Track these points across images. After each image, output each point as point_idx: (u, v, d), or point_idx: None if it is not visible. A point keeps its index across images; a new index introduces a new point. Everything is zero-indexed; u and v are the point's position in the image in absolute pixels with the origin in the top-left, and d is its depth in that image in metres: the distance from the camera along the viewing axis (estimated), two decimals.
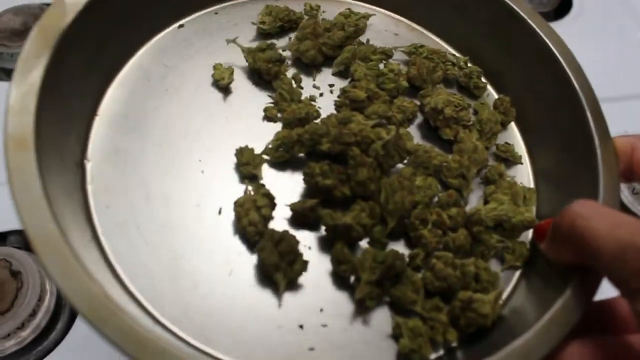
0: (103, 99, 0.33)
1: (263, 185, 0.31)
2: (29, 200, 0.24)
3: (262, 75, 0.35)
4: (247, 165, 0.32)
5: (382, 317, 0.29)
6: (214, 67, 0.35)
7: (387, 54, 0.37)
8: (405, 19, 0.41)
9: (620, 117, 0.45)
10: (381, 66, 0.37)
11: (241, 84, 0.36)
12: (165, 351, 0.23)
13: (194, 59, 0.36)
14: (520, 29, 0.37)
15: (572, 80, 0.34)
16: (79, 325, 0.41)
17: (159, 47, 0.36)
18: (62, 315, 0.42)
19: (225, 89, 0.35)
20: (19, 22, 0.55)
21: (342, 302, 0.29)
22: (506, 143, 0.36)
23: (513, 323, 0.29)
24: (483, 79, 0.38)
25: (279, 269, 0.28)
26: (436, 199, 0.33)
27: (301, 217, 0.31)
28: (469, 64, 0.39)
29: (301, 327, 0.28)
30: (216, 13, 0.39)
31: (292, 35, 0.38)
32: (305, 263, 0.29)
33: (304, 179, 0.31)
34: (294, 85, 0.35)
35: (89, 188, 0.30)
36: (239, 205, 0.30)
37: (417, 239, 0.31)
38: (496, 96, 0.38)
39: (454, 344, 0.29)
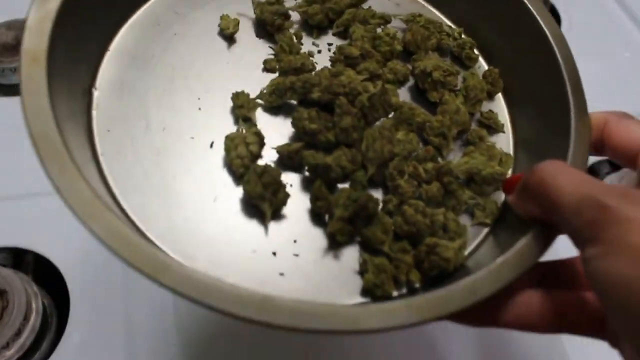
0: (115, 37, 0.36)
1: (255, 126, 0.33)
2: (36, 106, 0.27)
3: (266, 27, 0.38)
4: (241, 108, 0.34)
5: (351, 255, 0.31)
6: (221, 18, 0.38)
7: (385, 19, 0.39)
8: None
9: None
10: (379, 30, 0.39)
11: (246, 35, 0.38)
12: (148, 252, 0.25)
13: (203, 9, 0.39)
14: (517, 10, 0.38)
15: (558, 59, 0.36)
16: (64, 344, 0.43)
17: (165, 4, 0.38)
18: (48, 335, 0.42)
19: (230, 38, 0.38)
20: (11, 36, 0.56)
21: (316, 237, 0.32)
22: (490, 111, 0.38)
23: (473, 268, 0.31)
24: (475, 51, 0.40)
25: (264, 199, 0.31)
26: (415, 154, 0.35)
27: (286, 159, 0.33)
28: (463, 36, 0.40)
29: (274, 254, 0.31)
30: None
31: None
32: (287, 193, 0.31)
33: (292, 123, 0.34)
34: (295, 40, 0.38)
35: (94, 113, 0.33)
36: (229, 139, 0.32)
37: (394, 189, 0.33)
38: (487, 68, 0.40)
39: (417, 285, 0.31)
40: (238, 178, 0.32)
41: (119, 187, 0.31)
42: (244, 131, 0.33)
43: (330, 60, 0.38)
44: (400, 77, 0.37)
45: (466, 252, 0.32)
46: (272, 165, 0.33)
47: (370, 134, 0.33)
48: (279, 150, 0.33)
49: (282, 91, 0.34)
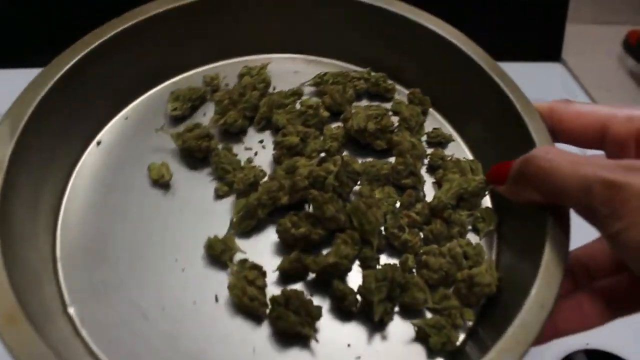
0: (56, 241, 0.33)
1: (246, 260, 0.32)
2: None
3: (194, 154, 0.36)
4: (222, 254, 0.32)
5: (396, 326, 0.31)
6: (149, 168, 0.36)
7: (298, 94, 0.39)
8: (298, 54, 0.43)
9: None
10: (298, 106, 0.39)
11: (178, 171, 0.36)
12: None
13: (125, 168, 0.36)
14: (410, 27, 0.40)
15: (466, 52, 0.37)
16: None
17: (88, 171, 0.36)
18: None
19: (167, 185, 0.36)
20: None
21: (361, 330, 0.31)
22: (434, 129, 0.39)
23: (513, 278, 0.31)
24: (389, 81, 0.41)
25: (302, 324, 0.29)
26: (398, 204, 0.35)
27: (290, 272, 0.32)
28: (372, 73, 0.41)
29: None
30: (126, 118, 0.39)
31: (204, 111, 0.39)
32: (319, 307, 0.30)
33: (279, 236, 0.33)
34: (230, 156, 0.36)
35: (84, 332, 0.30)
36: (232, 288, 0.31)
37: (402, 246, 0.33)
38: (407, 92, 0.41)
39: (471, 322, 0.31)
40: (259, 318, 0.31)
41: None
42: (237, 271, 0.31)
43: (273, 157, 0.37)
44: (342, 139, 0.37)
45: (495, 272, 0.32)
46: (277, 283, 0.32)
47: (356, 209, 0.32)
48: (281, 268, 0.32)
49: (251, 212, 0.33)
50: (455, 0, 0.60)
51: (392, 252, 0.34)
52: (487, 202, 0.36)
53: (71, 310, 0.30)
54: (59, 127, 0.35)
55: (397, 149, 0.36)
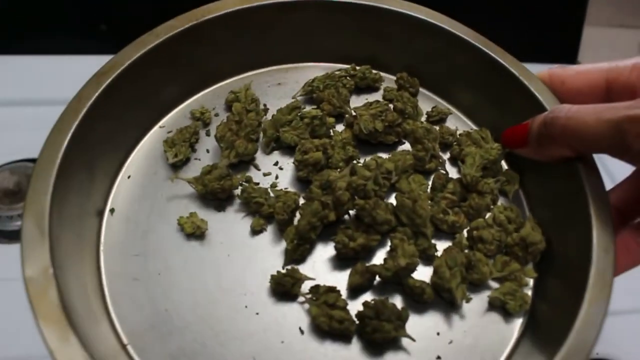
0: (117, 328, 0.32)
1: (317, 285, 0.32)
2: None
3: (217, 196, 0.35)
4: (293, 287, 0.32)
5: (469, 304, 0.33)
6: (179, 223, 0.34)
7: (297, 107, 0.39)
8: (276, 65, 0.42)
9: None
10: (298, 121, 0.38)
11: (206, 217, 0.35)
12: None
13: (150, 232, 0.35)
14: (371, 13, 0.40)
15: (445, 28, 0.39)
16: None
17: (113, 241, 0.34)
18: None
19: (202, 235, 0.35)
20: (13, 181, 0.54)
21: (439, 318, 0.33)
22: (432, 107, 0.41)
23: (555, 228, 0.34)
24: (374, 71, 0.42)
25: (397, 329, 0.30)
26: (429, 188, 0.36)
27: (360, 285, 0.32)
28: (357, 68, 0.41)
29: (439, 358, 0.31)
30: (129, 177, 0.37)
31: (205, 147, 0.38)
32: (405, 308, 0.31)
33: (337, 253, 0.33)
34: (256, 188, 0.36)
35: (129, 348, 0.30)
36: (318, 317, 0.31)
37: (450, 228, 0.34)
38: (393, 78, 0.42)
39: (534, 279, 0.34)
40: (347, 338, 0.31)
41: None
42: (313, 298, 0.32)
43: (299, 178, 0.36)
44: (353, 142, 0.38)
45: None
46: (352, 301, 0.32)
47: (402, 206, 0.33)
48: (353, 283, 0.32)
49: (305, 238, 0.33)
50: (473, 0, 0.60)
51: (441, 235, 0.35)
52: (503, 164, 0.38)
53: (130, 349, 0.30)
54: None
55: (412, 137, 0.37)
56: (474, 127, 0.40)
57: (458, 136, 0.38)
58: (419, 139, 0.37)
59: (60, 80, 0.55)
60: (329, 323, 0.31)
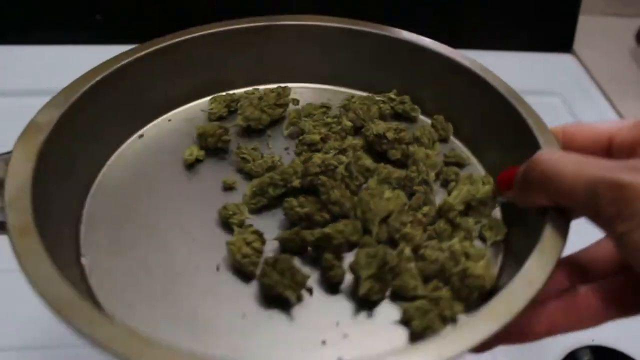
0: (86, 199, 0.36)
1: (250, 225, 0.34)
2: (43, 274, 0.26)
3: (207, 142, 0.39)
4: (234, 216, 0.34)
5: (385, 308, 0.31)
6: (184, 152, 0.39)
7: (327, 107, 0.42)
8: (325, 85, 0.46)
9: None
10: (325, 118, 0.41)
11: (208, 160, 0.40)
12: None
13: (160, 155, 0.40)
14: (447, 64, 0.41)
15: (500, 92, 0.38)
16: None
17: (125, 156, 0.39)
18: None
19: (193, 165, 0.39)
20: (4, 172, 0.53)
21: (348, 308, 0.31)
22: (451, 150, 0.41)
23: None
24: (415, 105, 0.43)
25: (285, 286, 0.30)
26: (407, 206, 0.35)
27: (288, 245, 0.33)
28: (397, 95, 0.43)
29: (324, 342, 0.30)
30: (169, 120, 0.42)
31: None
32: (305, 275, 0.31)
33: (285, 213, 0.34)
34: (250, 149, 0.39)
35: (91, 281, 0.32)
36: (231, 244, 0.32)
37: (402, 238, 0.33)
38: (429, 120, 0.43)
39: (461, 316, 0.30)
40: (249, 277, 0.32)
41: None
42: (241, 234, 0.33)
43: (295, 152, 0.39)
44: (359, 148, 0.39)
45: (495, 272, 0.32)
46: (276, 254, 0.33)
47: (361, 198, 0.34)
48: (280, 238, 0.33)
49: (264, 189, 0.35)
50: None
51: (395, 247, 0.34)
52: (497, 214, 0.37)
53: (83, 260, 0.33)
54: (105, 114, 0.38)
55: (412, 158, 0.38)
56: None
57: (457, 176, 0.38)
58: (417, 161, 0.37)
59: (55, 70, 0.56)
60: (234, 253, 0.32)
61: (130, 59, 0.39)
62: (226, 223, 0.35)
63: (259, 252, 0.32)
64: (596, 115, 0.75)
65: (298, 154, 0.39)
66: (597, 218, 0.25)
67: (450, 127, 0.42)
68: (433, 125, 0.42)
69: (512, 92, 0.38)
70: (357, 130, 0.41)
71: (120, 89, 0.39)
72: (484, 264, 0.31)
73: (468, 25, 0.76)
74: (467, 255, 0.32)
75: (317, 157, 0.35)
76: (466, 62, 0.41)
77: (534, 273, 0.27)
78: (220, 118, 0.42)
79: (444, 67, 0.41)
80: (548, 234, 0.29)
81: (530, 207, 0.30)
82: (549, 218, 0.29)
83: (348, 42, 0.44)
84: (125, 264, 0.33)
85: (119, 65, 0.38)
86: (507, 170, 0.32)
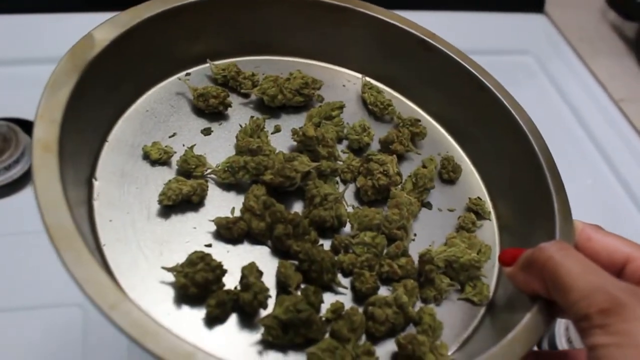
0: (113, 128, 0.35)
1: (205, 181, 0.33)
2: (51, 197, 0.26)
3: (210, 103, 0.37)
4: (196, 169, 0.33)
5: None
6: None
7: (341, 107, 0.39)
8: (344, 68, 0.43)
9: None
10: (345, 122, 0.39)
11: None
12: (170, 341, 0.24)
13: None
14: (490, 101, 0.39)
15: (530, 138, 0.36)
16: None
17: (166, 91, 0.38)
18: None
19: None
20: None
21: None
22: (478, 197, 0.37)
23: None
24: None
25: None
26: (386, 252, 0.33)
27: (224, 230, 0.32)
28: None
29: None
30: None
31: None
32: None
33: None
34: (259, 127, 0.37)
35: (95, 203, 0.31)
36: (174, 179, 0.32)
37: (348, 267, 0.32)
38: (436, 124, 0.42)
39: None
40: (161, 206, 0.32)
41: (123, 278, 0.29)
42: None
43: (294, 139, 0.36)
44: (355, 172, 0.36)
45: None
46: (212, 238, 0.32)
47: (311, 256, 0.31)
48: (217, 222, 0.31)
49: (235, 169, 0.33)
50: None
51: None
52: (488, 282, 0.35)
53: (95, 183, 0.32)
54: (158, 48, 0.37)
55: (394, 200, 0.35)
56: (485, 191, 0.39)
57: (473, 225, 0.37)
58: (399, 204, 0.34)
59: (43, 39, 0.56)
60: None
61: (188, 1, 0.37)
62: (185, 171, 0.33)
63: (180, 194, 0.32)
64: (568, 72, 0.77)
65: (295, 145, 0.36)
66: (581, 322, 0.25)
67: (460, 170, 0.39)
68: (443, 165, 0.39)
69: (549, 158, 0.35)
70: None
71: (175, 27, 0.37)
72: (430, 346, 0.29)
73: None
74: (421, 320, 0.31)
75: (299, 163, 0.33)
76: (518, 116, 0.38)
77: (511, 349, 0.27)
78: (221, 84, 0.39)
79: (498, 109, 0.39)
80: (528, 323, 0.28)
81: (523, 290, 0.30)
82: (536, 307, 0.29)
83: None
84: (130, 201, 0.32)
85: (178, 4, 0.37)
86: (513, 249, 0.32)
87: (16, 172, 0.54)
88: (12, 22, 0.66)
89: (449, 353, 0.30)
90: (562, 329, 0.47)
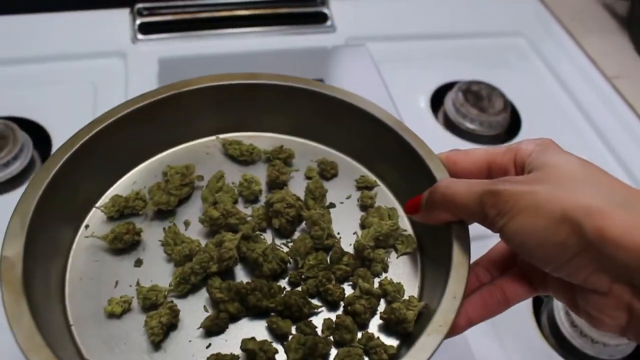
0: (67, 311, 0.36)
1: (171, 302, 0.36)
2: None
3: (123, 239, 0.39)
4: (158, 296, 0.37)
5: None
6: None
7: (221, 176, 0.43)
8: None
9: None
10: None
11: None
12: None
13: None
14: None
15: (392, 128, 0.42)
16: None
17: (82, 251, 0.39)
18: None
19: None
20: None
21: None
22: (360, 176, 0.44)
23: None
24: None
25: None
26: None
27: (214, 329, 0.36)
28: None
29: None
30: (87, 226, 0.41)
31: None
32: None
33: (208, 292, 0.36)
34: (177, 233, 0.40)
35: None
36: (148, 317, 0.35)
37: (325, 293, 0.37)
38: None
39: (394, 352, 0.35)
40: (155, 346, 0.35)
41: None
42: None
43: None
44: (265, 217, 0.41)
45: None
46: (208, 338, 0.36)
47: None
48: (205, 325, 0.36)
49: (187, 278, 0.37)
50: None
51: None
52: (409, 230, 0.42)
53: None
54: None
55: (310, 220, 0.40)
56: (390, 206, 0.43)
57: (373, 200, 0.43)
58: (316, 221, 0.40)
59: (38, 38, 0.57)
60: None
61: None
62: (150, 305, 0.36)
63: (168, 325, 0.35)
64: (560, 52, 0.78)
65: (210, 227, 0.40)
66: (485, 221, 0.32)
67: (335, 164, 0.45)
68: (321, 172, 0.44)
69: (404, 128, 0.42)
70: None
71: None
72: (405, 303, 0.35)
73: None
74: (386, 293, 0.37)
75: (228, 241, 0.37)
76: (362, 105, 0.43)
77: (455, 288, 0.33)
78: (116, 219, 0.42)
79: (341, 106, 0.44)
80: (456, 246, 0.35)
81: (436, 223, 0.37)
82: (453, 229, 0.35)
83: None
84: (130, 356, 0.35)
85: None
86: (412, 199, 0.38)
87: (14, 168, 0.55)
88: (11, 22, 0.67)
89: (420, 302, 0.36)
90: (561, 304, 0.50)
